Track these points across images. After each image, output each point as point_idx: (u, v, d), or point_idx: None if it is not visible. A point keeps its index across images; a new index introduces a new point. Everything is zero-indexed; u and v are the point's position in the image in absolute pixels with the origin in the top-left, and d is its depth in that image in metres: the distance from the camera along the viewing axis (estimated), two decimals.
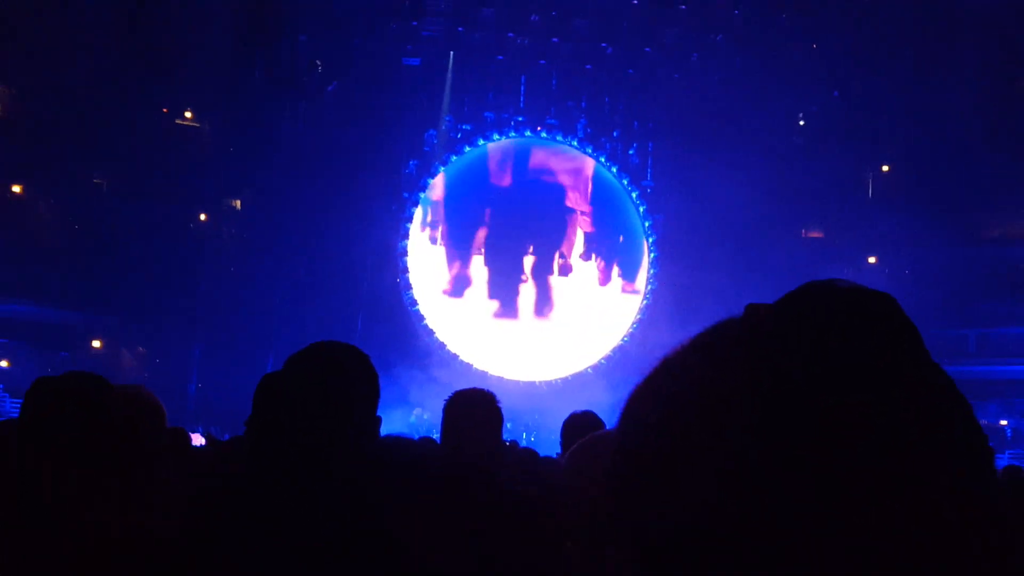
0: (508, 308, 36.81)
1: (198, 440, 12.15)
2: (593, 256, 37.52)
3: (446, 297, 36.79)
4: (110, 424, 2.63)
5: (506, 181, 37.29)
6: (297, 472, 2.63)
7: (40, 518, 2.48)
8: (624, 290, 37.68)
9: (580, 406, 5.66)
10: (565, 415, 5.55)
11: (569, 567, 2.67)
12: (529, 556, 3.30)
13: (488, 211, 36.90)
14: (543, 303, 36.84)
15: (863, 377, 0.70)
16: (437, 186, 37.15)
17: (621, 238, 37.74)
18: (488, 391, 3.90)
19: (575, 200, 37.80)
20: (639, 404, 0.78)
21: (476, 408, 3.79)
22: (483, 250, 36.65)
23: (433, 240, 37.07)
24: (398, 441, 4.30)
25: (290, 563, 2.55)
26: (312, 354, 2.77)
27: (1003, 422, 34.19)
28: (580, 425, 5.07)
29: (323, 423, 2.67)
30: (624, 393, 0.81)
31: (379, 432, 2.93)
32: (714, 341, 0.77)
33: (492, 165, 37.61)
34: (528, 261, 36.80)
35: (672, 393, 0.75)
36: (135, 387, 3.28)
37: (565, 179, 37.81)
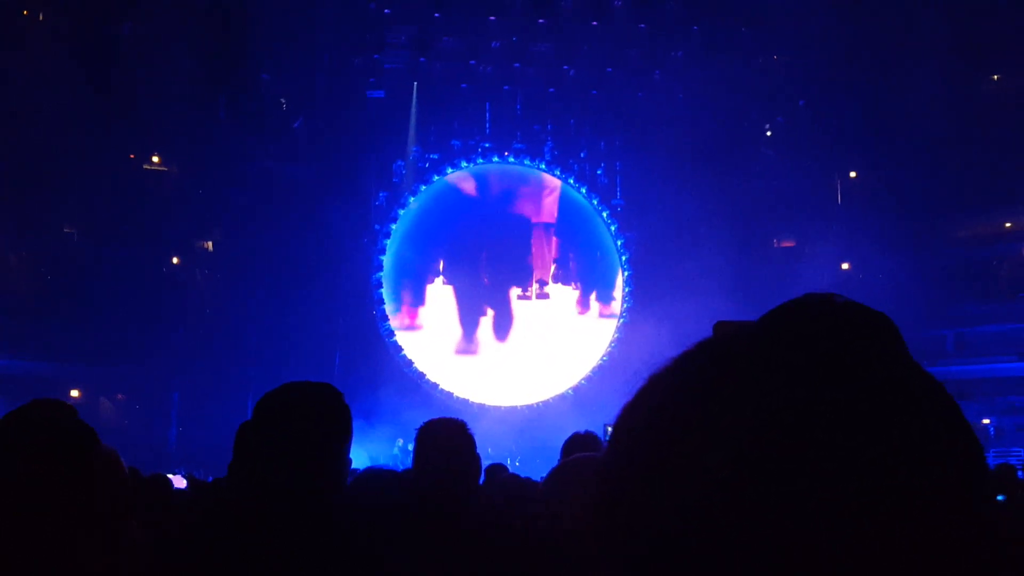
0: (485, 335, 36.76)
1: (180, 483, 12.12)
2: (567, 279, 37.53)
3: (422, 327, 36.72)
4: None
5: (475, 209, 37.26)
6: (271, 513, 2.62)
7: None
8: (600, 312, 37.69)
9: (561, 429, 5.69)
10: (547, 438, 5.58)
11: None
12: None
13: (459, 240, 36.86)
14: (520, 328, 36.80)
15: (858, 392, 0.69)
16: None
17: (598, 254, 37.77)
18: (459, 419, 3.92)
19: (547, 223, 37.84)
20: (625, 422, 0.77)
21: (446, 436, 3.81)
22: (455, 279, 36.62)
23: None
24: (378, 473, 4.30)
25: None
26: (281, 395, 2.79)
27: (985, 421, 34.33)
28: (581, 445, 5.09)
29: (293, 464, 2.67)
30: (612, 413, 0.80)
31: (347, 471, 2.90)
32: (691, 363, 0.76)
33: (461, 192, 37.66)
34: (502, 287, 36.77)
35: (652, 413, 0.74)
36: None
37: (535, 203, 37.85)
